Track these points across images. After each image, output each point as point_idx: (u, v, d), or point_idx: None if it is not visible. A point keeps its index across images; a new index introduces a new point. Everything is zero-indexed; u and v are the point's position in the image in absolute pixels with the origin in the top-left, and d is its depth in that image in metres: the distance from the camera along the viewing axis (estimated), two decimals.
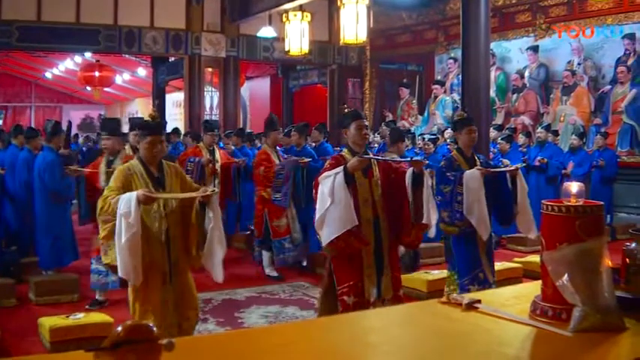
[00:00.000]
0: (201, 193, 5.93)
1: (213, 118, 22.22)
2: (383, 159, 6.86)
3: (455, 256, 8.09)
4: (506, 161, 11.90)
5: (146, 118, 6.41)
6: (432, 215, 6.59)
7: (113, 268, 5.99)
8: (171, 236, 6.05)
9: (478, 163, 7.90)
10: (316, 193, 6.39)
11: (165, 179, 6.15)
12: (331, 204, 6.15)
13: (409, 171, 6.51)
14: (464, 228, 7.72)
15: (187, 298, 6.23)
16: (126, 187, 5.89)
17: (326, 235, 6.27)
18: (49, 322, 7.45)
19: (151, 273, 5.89)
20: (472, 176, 7.60)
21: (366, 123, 6.85)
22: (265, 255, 11.17)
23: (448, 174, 7.82)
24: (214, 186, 11.27)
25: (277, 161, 10.99)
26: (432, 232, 6.99)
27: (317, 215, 6.29)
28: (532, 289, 3.41)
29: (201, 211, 6.01)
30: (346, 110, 6.92)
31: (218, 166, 12.04)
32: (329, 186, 6.18)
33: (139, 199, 5.58)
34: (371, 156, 6.66)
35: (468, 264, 7.85)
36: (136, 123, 10.48)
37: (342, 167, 6.25)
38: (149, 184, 6.00)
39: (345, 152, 6.71)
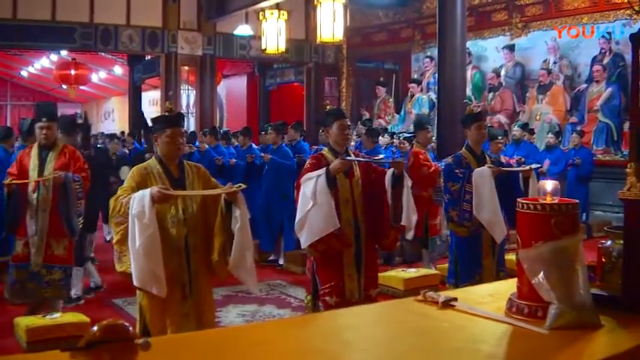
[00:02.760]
0: (225, 189, 5.29)
1: (190, 116, 22.20)
2: (365, 160, 6.82)
3: (457, 260, 7.97)
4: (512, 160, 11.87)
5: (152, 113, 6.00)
6: (411, 217, 6.58)
7: (129, 277, 5.22)
8: (190, 244, 5.44)
9: (489, 161, 7.76)
10: (298, 194, 6.38)
11: (185, 180, 5.58)
12: (313, 206, 6.13)
13: (389, 172, 6.51)
14: (473, 229, 7.57)
15: (207, 313, 5.66)
16: (141, 186, 5.29)
17: (307, 237, 6.25)
18: (25, 321, 7.40)
19: (169, 286, 5.18)
20: (482, 174, 7.41)
21: (349, 123, 6.81)
22: (425, 253, 11.08)
23: (457, 170, 7.68)
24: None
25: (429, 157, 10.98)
26: (409, 235, 6.95)
27: (298, 217, 6.26)
28: (508, 286, 3.42)
29: (227, 212, 5.34)
30: (328, 108, 6.84)
31: None
32: (311, 188, 6.16)
33: (153, 198, 5.02)
34: (353, 157, 6.60)
35: (469, 269, 7.72)
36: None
37: (324, 169, 6.23)
38: (167, 186, 5.37)
39: (325, 151, 6.67)
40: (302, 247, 6.62)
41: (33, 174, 7.82)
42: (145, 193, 5.05)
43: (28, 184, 7.80)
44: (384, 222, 6.57)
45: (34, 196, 7.83)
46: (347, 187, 6.50)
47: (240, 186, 5.28)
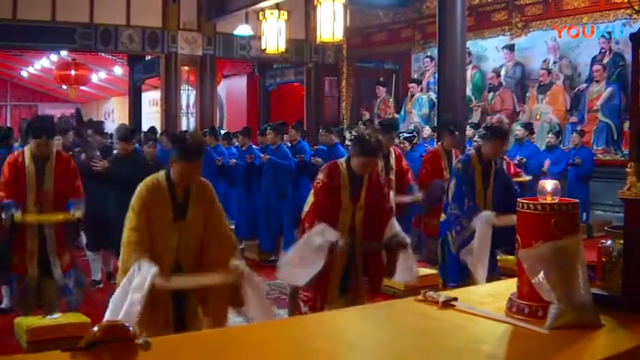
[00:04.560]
0: (222, 277, 5.18)
1: (190, 116, 22.19)
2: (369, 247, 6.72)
3: (447, 262, 7.97)
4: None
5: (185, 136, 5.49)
6: (409, 269, 6.59)
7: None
8: (184, 271, 5.35)
9: (494, 168, 7.66)
10: (307, 220, 6.40)
11: (188, 207, 5.38)
12: (314, 263, 6.12)
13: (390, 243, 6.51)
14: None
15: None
16: (149, 211, 5.21)
17: (297, 279, 6.36)
18: (25, 322, 7.40)
19: (152, 308, 5.14)
20: (485, 221, 7.31)
21: (375, 161, 6.75)
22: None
23: (465, 193, 7.53)
24: None
25: (445, 165, 10.67)
26: (412, 280, 6.90)
27: (295, 253, 6.28)
28: (508, 286, 3.43)
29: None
30: (367, 134, 6.55)
31: None
32: (322, 252, 6.13)
33: (153, 282, 4.90)
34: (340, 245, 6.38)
35: (458, 272, 7.73)
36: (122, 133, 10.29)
37: (333, 239, 6.17)
38: (168, 211, 5.29)
39: (342, 165, 6.48)
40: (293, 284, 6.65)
41: (30, 187, 7.63)
42: (148, 279, 4.95)
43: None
44: (378, 271, 6.66)
45: (35, 209, 7.65)
46: (349, 212, 6.43)
47: (242, 272, 5.24)
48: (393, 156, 10.01)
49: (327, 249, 6.10)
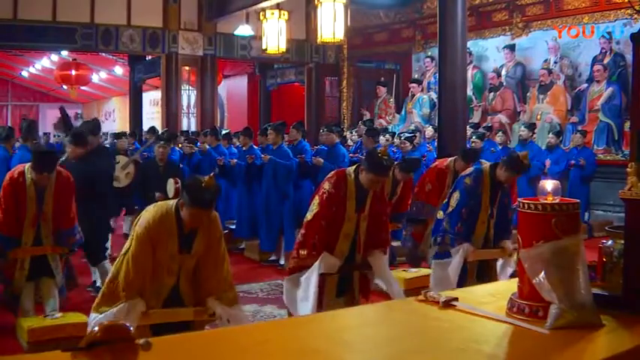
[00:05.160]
0: (199, 314, 5.32)
1: (191, 116, 22.19)
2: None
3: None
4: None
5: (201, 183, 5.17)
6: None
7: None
8: (182, 297, 5.42)
9: (500, 188, 7.58)
10: (313, 199, 6.49)
11: (194, 241, 5.33)
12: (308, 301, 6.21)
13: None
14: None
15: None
16: (154, 244, 5.19)
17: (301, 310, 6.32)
18: (26, 322, 7.39)
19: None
20: (462, 252, 7.39)
21: (385, 179, 6.78)
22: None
23: (468, 211, 7.52)
24: None
25: (450, 182, 10.49)
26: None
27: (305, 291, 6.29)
28: (509, 286, 3.43)
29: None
30: (378, 154, 6.49)
31: None
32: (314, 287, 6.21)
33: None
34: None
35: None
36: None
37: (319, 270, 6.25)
38: (174, 243, 5.24)
39: (350, 175, 6.46)
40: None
41: (30, 208, 7.62)
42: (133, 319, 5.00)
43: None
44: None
45: (33, 230, 7.69)
46: (353, 223, 6.44)
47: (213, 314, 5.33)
48: (402, 185, 10.01)
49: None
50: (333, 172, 6.72)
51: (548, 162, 14.18)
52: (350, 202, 6.39)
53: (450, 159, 9.98)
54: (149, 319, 5.09)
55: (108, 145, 15.52)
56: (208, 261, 5.42)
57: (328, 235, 6.33)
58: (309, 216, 6.47)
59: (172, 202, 5.35)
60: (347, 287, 6.66)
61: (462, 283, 7.50)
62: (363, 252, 6.58)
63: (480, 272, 7.69)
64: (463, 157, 9.69)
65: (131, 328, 2.33)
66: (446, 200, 7.95)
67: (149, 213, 5.29)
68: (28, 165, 7.73)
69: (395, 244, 9.98)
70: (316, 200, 6.45)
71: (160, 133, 15.33)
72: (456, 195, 7.67)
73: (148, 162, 11.43)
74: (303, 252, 6.38)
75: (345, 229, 6.41)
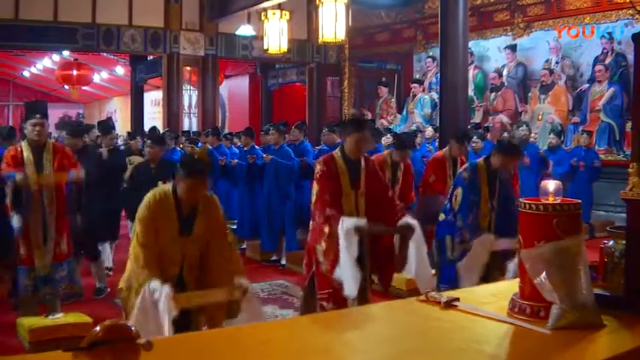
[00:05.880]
0: (228, 294, 5.18)
1: (192, 117, 22.20)
2: (376, 231, 6.62)
3: (440, 264, 7.90)
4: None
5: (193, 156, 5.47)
6: (417, 271, 6.51)
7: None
8: (186, 283, 5.38)
9: (498, 180, 7.61)
10: (317, 209, 6.40)
11: (194, 222, 5.41)
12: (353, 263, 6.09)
13: (396, 237, 6.48)
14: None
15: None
16: (156, 224, 5.23)
17: (351, 289, 6.13)
18: (27, 322, 7.40)
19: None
20: (483, 243, 7.31)
21: (369, 135, 6.78)
22: None
23: (472, 204, 7.49)
24: None
25: (450, 172, 10.13)
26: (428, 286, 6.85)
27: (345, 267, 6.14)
28: (510, 286, 3.43)
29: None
30: (352, 113, 6.69)
31: None
32: (353, 245, 6.08)
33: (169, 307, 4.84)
34: (363, 227, 6.22)
35: (451, 276, 7.64)
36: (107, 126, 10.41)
37: (353, 231, 6.12)
38: (174, 225, 5.31)
39: (337, 155, 6.55)
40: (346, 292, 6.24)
41: (31, 174, 7.66)
42: (161, 303, 4.88)
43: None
44: (387, 263, 6.64)
45: (39, 199, 7.69)
46: (352, 199, 6.45)
47: (246, 289, 5.21)
48: (402, 169, 9.99)
49: (354, 233, 6.08)
50: (320, 157, 6.91)
51: (550, 163, 14.17)
52: (344, 178, 6.45)
53: (445, 148, 10.12)
54: (180, 302, 4.99)
55: (122, 146, 15.49)
56: (214, 245, 5.44)
57: (337, 207, 6.31)
58: (313, 198, 6.51)
59: (169, 185, 5.44)
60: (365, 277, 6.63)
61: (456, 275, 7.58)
62: (371, 237, 6.53)
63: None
64: (457, 140, 9.95)
65: (132, 328, 2.33)
66: (447, 202, 7.94)
67: (148, 197, 5.36)
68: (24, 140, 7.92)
69: None
70: (314, 184, 6.51)
71: (148, 132, 15.31)
72: (458, 191, 7.67)
73: (141, 164, 11.44)
74: (326, 230, 6.32)
75: (345, 206, 6.40)
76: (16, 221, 7.61)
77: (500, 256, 7.54)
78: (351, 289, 6.07)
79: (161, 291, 4.89)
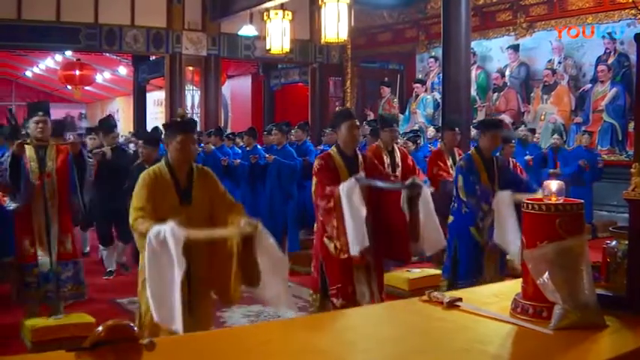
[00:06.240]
0: (236, 230, 5.12)
1: (195, 117, 22.18)
2: (380, 185, 6.62)
3: (456, 256, 7.97)
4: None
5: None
6: (432, 236, 6.51)
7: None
8: (192, 256, 5.14)
9: (496, 166, 7.75)
10: (318, 195, 6.40)
11: (192, 192, 5.47)
12: (360, 219, 6.09)
13: (403, 194, 6.42)
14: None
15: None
16: (154, 197, 5.26)
17: (355, 247, 6.17)
18: (30, 322, 7.40)
19: None
20: (504, 200, 7.26)
21: (358, 123, 6.79)
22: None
23: (474, 182, 7.60)
24: None
25: (450, 163, 10.35)
26: (435, 247, 6.86)
27: (351, 227, 6.14)
28: (513, 287, 3.43)
29: (245, 247, 5.12)
30: (338, 109, 6.81)
31: None
32: (356, 200, 6.12)
33: (174, 235, 4.78)
34: (363, 178, 6.42)
35: (469, 269, 7.75)
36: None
37: (354, 182, 6.19)
38: (173, 195, 5.38)
39: (333, 152, 6.64)
40: (352, 252, 6.28)
41: (34, 172, 7.72)
42: (167, 234, 4.81)
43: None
44: (401, 234, 6.53)
45: (41, 192, 7.73)
46: None
47: (257, 225, 5.15)
48: (399, 154, 9.98)
49: (354, 185, 6.15)
50: (317, 156, 7.11)
51: (558, 164, 14.16)
52: (342, 171, 6.52)
53: (440, 143, 10.44)
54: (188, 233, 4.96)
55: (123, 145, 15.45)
56: (218, 205, 5.49)
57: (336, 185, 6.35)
58: (313, 188, 6.62)
59: (161, 161, 5.56)
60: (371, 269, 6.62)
61: (478, 266, 7.71)
62: (373, 226, 6.51)
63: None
64: (448, 127, 10.50)
65: (135, 328, 2.33)
66: (454, 201, 8.00)
67: (142, 175, 5.45)
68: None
69: None
70: (313, 178, 6.59)
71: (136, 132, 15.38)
72: (459, 177, 7.90)
73: (136, 165, 11.48)
74: (330, 205, 6.33)
75: None
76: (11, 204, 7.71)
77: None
78: (355, 247, 6.14)
79: (165, 227, 4.85)
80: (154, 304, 4.81)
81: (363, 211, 6.09)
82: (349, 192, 6.15)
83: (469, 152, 8.09)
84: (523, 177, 8.13)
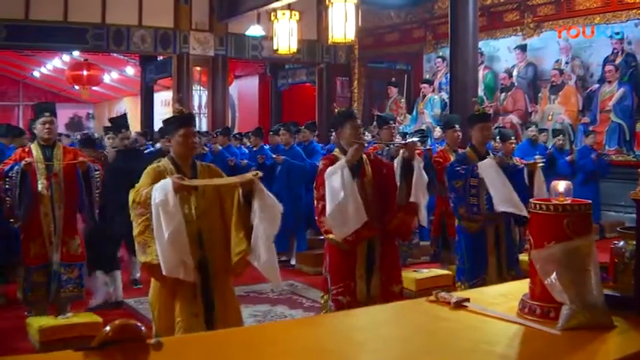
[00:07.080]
0: (241, 177, 5.27)
1: (202, 117, 22.21)
2: (376, 149, 6.66)
3: (465, 258, 7.96)
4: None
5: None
6: (420, 196, 6.54)
7: (154, 268, 5.15)
8: (205, 243, 5.37)
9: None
10: (319, 192, 6.38)
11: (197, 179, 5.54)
12: (344, 198, 6.08)
13: (400, 154, 6.56)
14: (485, 221, 7.54)
15: (230, 315, 5.50)
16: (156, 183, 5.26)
17: (342, 231, 6.21)
18: (38, 321, 7.40)
19: (180, 283, 5.20)
20: (488, 165, 7.38)
21: (360, 123, 6.79)
22: (445, 254, 10.73)
23: (458, 168, 7.62)
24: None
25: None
26: (422, 217, 6.89)
27: (329, 209, 6.14)
28: (520, 287, 3.42)
29: (246, 204, 5.23)
30: (338, 110, 6.79)
31: None
32: (339, 180, 6.12)
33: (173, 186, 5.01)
34: (362, 141, 6.52)
35: (474, 267, 7.71)
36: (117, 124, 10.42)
37: (343, 161, 6.22)
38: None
39: (337, 152, 6.60)
40: (337, 238, 6.36)
41: (40, 172, 7.77)
42: (167, 182, 5.05)
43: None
44: (391, 207, 6.54)
45: (48, 193, 7.78)
46: (358, 187, 6.42)
47: (257, 174, 5.23)
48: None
49: (349, 173, 6.16)
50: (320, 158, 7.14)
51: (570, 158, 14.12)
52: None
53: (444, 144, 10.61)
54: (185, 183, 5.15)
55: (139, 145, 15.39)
56: (230, 195, 5.45)
57: None
58: (315, 193, 6.59)
59: (164, 158, 5.68)
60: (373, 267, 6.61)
61: (484, 257, 7.66)
62: (380, 224, 6.52)
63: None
64: (446, 127, 10.56)
65: (142, 328, 2.33)
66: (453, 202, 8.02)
67: (146, 170, 5.54)
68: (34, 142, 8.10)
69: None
70: (317, 180, 6.53)
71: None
72: (449, 176, 7.92)
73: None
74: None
75: None
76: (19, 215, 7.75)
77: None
78: (342, 231, 6.21)
79: (163, 180, 5.12)
80: (162, 257, 5.02)
81: (341, 194, 6.10)
82: (333, 168, 6.24)
83: (464, 151, 8.16)
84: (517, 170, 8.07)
